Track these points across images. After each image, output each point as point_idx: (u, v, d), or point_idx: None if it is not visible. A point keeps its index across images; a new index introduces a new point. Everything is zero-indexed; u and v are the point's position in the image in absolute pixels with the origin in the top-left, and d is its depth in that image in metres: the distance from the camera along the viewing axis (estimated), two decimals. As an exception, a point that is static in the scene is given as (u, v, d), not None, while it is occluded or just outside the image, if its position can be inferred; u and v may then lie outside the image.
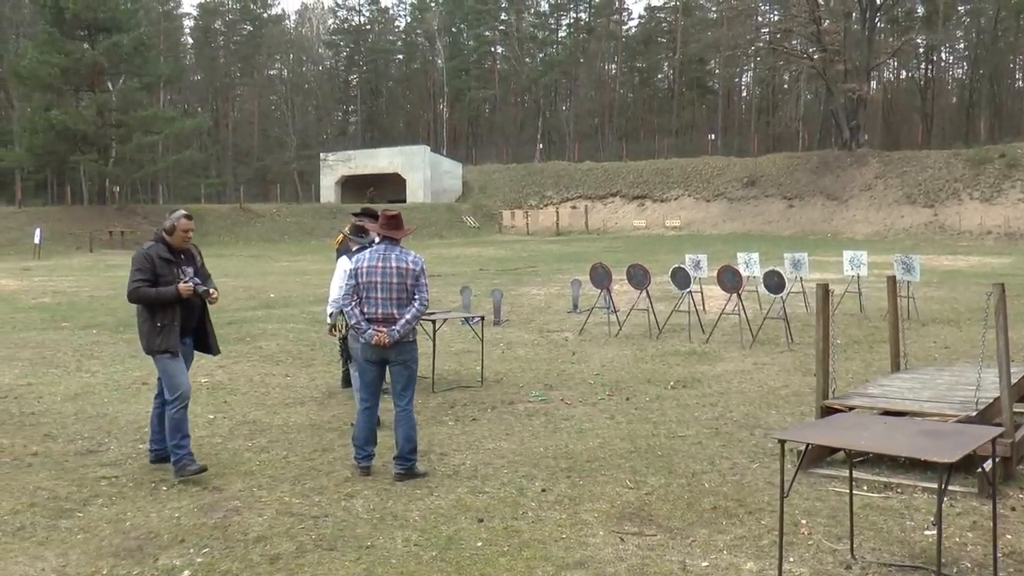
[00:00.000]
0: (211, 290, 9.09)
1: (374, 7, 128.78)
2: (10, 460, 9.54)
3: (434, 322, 13.38)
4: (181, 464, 8.67)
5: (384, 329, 8.62)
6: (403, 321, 8.64)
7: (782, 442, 6.37)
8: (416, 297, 8.73)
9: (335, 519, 7.58)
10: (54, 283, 32.37)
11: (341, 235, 13.15)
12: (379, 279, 8.68)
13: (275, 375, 14.39)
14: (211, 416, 11.46)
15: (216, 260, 43.52)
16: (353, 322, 8.79)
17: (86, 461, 9.46)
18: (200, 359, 15.98)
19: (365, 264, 8.77)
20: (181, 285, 8.72)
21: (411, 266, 8.74)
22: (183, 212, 9.03)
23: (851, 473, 7.21)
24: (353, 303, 8.76)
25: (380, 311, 8.67)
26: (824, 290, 9.43)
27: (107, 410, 11.88)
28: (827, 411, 9.30)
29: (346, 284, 8.90)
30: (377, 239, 9.12)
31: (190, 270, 9.02)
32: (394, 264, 8.70)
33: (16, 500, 8.18)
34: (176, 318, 8.89)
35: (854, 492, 7.29)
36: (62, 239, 55.30)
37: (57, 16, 63.21)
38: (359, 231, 11.04)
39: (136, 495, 8.32)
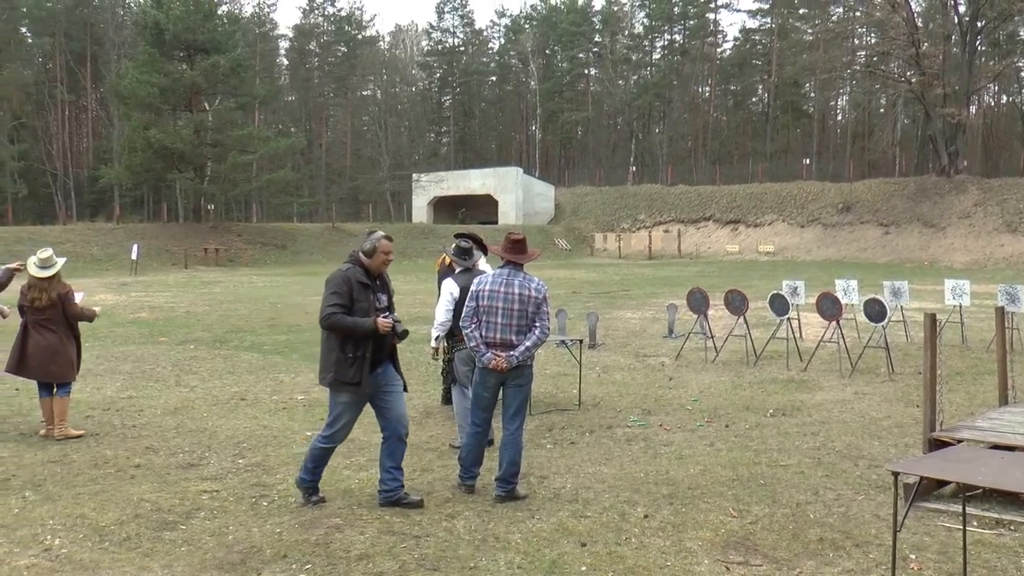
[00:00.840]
0: (405, 328, 8.57)
1: (468, 29, 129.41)
2: (114, 471, 9.67)
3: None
4: (305, 489, 8.60)
5: (502, 354, 8.59)
6: (523, 348, 8.61)
7: (895, 474, 6.23)
8: (537, 324, 8.66)
9: (437, 539, 7.55)
10: (150, 298, 32.83)
11: (444, 256, 13.12)
12: (500, 304, 8.65)
13: (372, 394, 14.40)
14: (308, 433, 11.49)
15: (308, 279, 44.04)
16: (472, 345, 8.75)
17: (187, 474, 9.57)
18: (297, 376, 16.16)
19: (487, 287, 8.74)
20: (380, 320, 8.26)
21: (534, 293, 8.69)
22: (383, 234, 8.49)
23: (964, 508, 7.04)
24: (473, 326, 8.74)
25: (498, 336, 8.64)
26: (932, 320, 9.25)
27: (206, 424, 12.00)
28: (935, 444, 9.11)
29: (466, 306, 8.86)
30: (481, 261, 9.08)
31: (384, 297, 8.59)
32: (517, 290, 8.67)
33: (121, 511, 8.28)
34: (369, 350, 8.41)
35: (965, 528, 7.13)
36: (158, 255, 56.14)
37: (157, 37, 64.51)
38: (463, 253, 10.91)
39: (237, 509, 8.38)
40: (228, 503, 8.56)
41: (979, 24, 71.33)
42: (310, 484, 8.59)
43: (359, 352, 8.30)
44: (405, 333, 8.52)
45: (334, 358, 8.38)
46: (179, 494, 8.81)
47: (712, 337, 19.07)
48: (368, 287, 8.34)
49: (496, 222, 77.85)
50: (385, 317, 8.32)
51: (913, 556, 7.23)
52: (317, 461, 8.59)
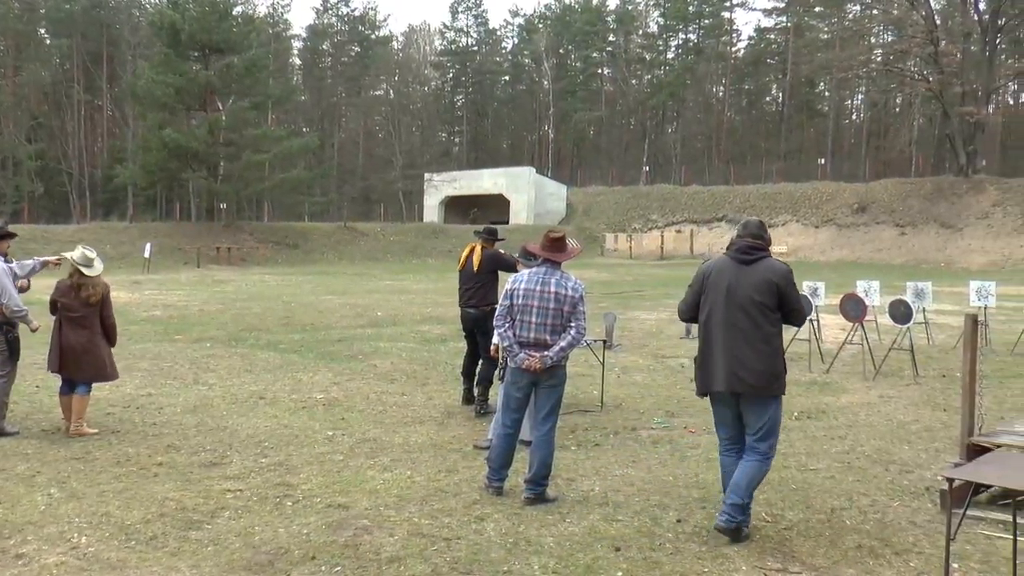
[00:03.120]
0: None
1: (482, 28, 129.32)
2: (136, 469, 9.58)
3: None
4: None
5: (536, 354, 8.44)
6: (557, 348, 8.45)
7: (950, 480, 6.07)
8: (573, 325, 8.49)
9: (468, 542, 7.42)
10: (164, 297, 32.81)
11: (474, 245, 12.99)
12: (536, 303, 8.48)
13: (391, 393, 14.29)
14: (330, 432, 11.40)
15: (321, 278, 44.09)
16: (505, 344, 8.61)
17: (210, 473, 9.46)
18: (315, 375, 16.05)
19: (523, 286, 8.57)
20: None
21: (571, 293, 8.52)
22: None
23: (1015, 517, 6.87)
24: (507, 324, 8.59)
25: (533, 335, 8.48)
26: (974, 321, 9.06)
27: (227, 423, 11.89)
28: (973, 448, 8.94)
29: (500, 304, 8.72)
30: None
31: None
32: (553, 289, 8.50)
33: (146, 509, 8.19)
34: None
35: (1008, 537, 6.97)
36: (171, 254, 56.24)
37: (173, 38, 64.79)
38: (529, 255, 10.62)
39: (262, 509, 8.26)
40: (252, 503, 8.44)
41: (1000, 22, 71.07)
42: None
43: None
44: None
45: (781, 367, 7.77)
46: (203, 493, 8.70)
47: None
48: None
49: (508, 222, 77.70)
50: None
51: (956, 565, 7.05)
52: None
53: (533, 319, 8.48)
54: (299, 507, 8.33)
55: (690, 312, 8.05)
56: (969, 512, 8.11)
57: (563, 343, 8.46)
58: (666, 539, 7.58)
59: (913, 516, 8.25)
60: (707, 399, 7.99)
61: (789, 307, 7.66)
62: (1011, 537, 7.06)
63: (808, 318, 18.05)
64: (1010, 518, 7.20)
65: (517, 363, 8.53)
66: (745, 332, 7.53)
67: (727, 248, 7.91)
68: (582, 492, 8.88)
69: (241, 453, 10.33)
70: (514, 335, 8.56)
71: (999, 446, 8.91)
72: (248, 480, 9.20)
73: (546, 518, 8.06)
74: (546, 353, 8.44)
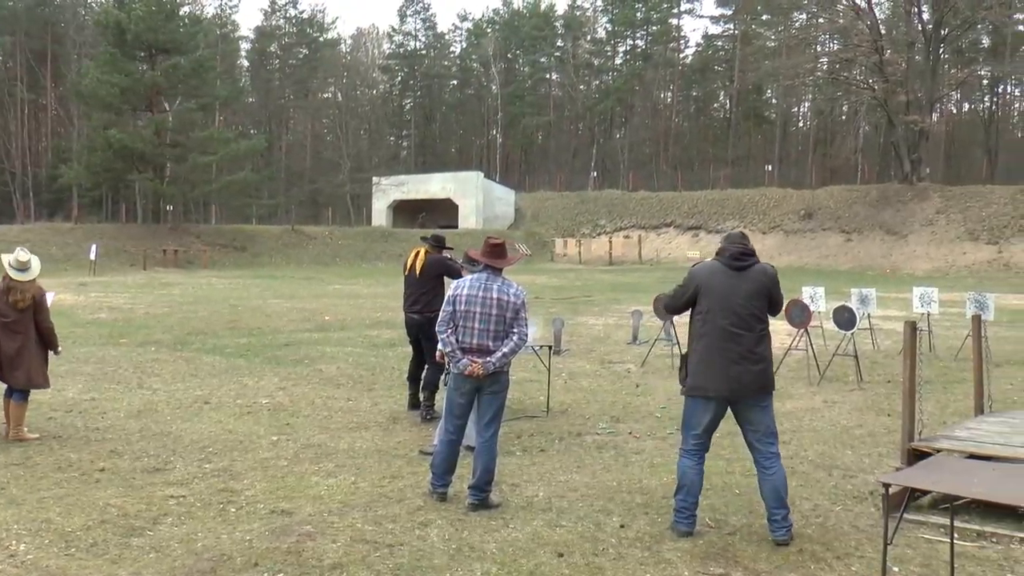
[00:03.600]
0: None
1: (430, 32, 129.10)
2: (78, 475, 9.49)
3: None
4: None
5: (479, 360, 8.44)
6: (500, 354, 8.48)
7: (886, 485, 6.12)
8: (515, 331, 8.55)
9: (411, 548, 7.40)
10: (110, 299, 32.50)
11: (419, 249, 12.96)
12: (478, 309, 8.50)
13: (337, 398, 14.25)
14: (275, 438, 11.35)
15: (268, 281, 43.85)
16: (448, 350, 8.61)
17: (153, 479, 9.38)
18: (261, 379, 15.97)
19: (465, 292, 8.59)
20: None
21: (512, 299, 8.57)
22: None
23: (952, 521, 6.94)
24: (449, 330, 8.58)
25: (475, 341, 8.49)
26: (913, 328, 9.17)
27: (170, 428, 11.80)
28: (913, 454, 9.03)
29: (443, 311, 8.71)
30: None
31: None
32: (495, 295, 8.53)
33: (87, 516, 8.10)
34: None
35: (945, 540, 7.03)
36: (117, 256, 55.75)
37: (119, 37, 64.22)
38: (472, 261, 10.65)
39: (205, 515, 8.21)
40: (195, 509, 8.38)
41: (943, 32, 71.78)
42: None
43: None
44: None
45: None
46: (145, 499, 8.62)
47: (678, 343, 18.94)
48: None
49: (456, 226, 77.58)
50: None
51: (896, 569, 7.13)
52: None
53: (476, 325, 8.49)
54: (242, 513, 8.29)
55: (678, 310, 8.37)
56: (911, 516, 8.20)
57: (505, 349, 8.49)
58: (609, 544, 7.59)
59: (855, 520, 8.32)
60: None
61: (774, 304, 8.06)
62: (950, 541, 7.12)
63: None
64: (946, 522, 7.25)
65: (460, 369, 8.52)
66: (743, 337, 7.77)
67: (717, 254, 8.07)
68: (526, 498, 8.89)
69: (184, 459, 10.25)
70: (456, 341, 8.56)
71: (939, 451, 8.98)
72: (191, 486, 9.13)
73: (489, 524, 8.05)
74: (488, 359, 8.45)
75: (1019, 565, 7.29)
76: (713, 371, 7.79)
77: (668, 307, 8.48)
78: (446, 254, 13.14)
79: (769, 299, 7.97)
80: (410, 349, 13.51)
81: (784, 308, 17.55)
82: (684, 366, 8.13)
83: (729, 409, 7.96)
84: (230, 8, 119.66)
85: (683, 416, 8.13)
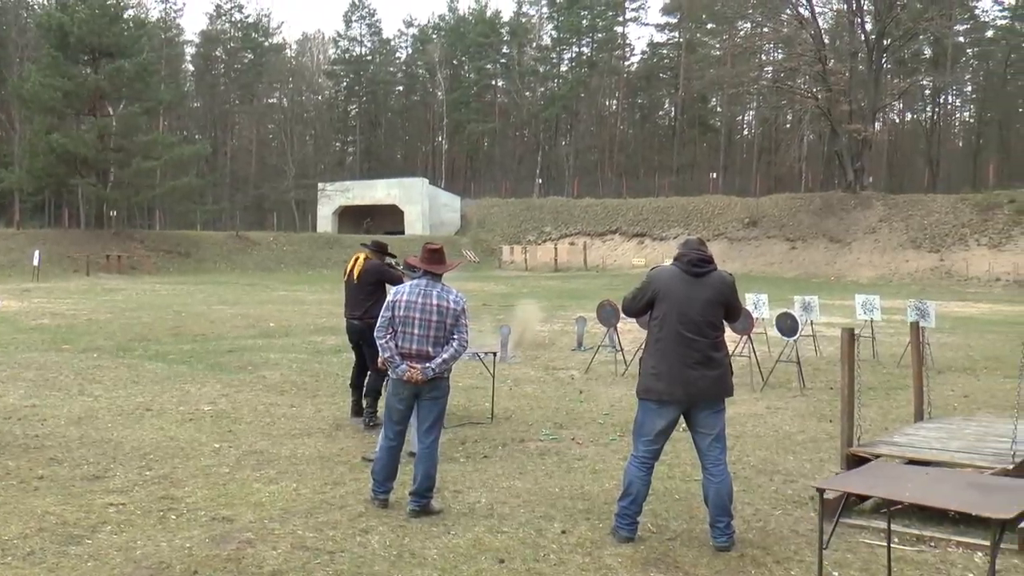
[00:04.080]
0: None
1: (376, 38, 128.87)
2: (16, 483, 9.35)
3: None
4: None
5: (418, 366, 8.43)
6: (439, 360, 8.47)
7: (820, 491, 6.17)
8: (455, 337, 8.55)
9: (351, 555, 7.36)
10: (52, 305, 32.23)
11: (359, 255, 12.95)
12: (417, 315, 8.49)
13: (280, 405, 14.16)
14: (216, 445, 11.25)
15: (212, 287, 43.61)
16: (387, 355, 8.56)
17: (93, 487, 9.26)
18: (203, 386, 15.87)
19: (404, 298, 8.57)
20: None
21: (452, 305, 8.56)
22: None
23: (889, 525, 7.01)
24: (388, 336, 8.56)
25: (415, 347, 8.48)
26: (850, 335, 9.27)
27: (111, 435, 11.67)
28: (852, 459, 9.11)
29: (382, 316, 8.67)
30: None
31: None
32: (435, 301, 8.52)
33: (25, 524, 7.99)
34: None
35: (884, 544, 7.09)
36: (60, 262, 55.26)
37: (61, 40, 63.59)
38: (411, 268, 10.63)
39: (144, 523, 8.11)
40: (135, 517, 8.29)
41: (885, 42, 72.54)
42: None
43: None
44: None
45: None
46: (84, 507, 8.51)
47: (621, 350, 19.01)
48: None
49: (402, 232, 77.48)
50: None
51: (836, 573, 7.18)
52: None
53: (415, 331, 8.48)
54: (182, 520, 8.21)
55: (635, 312, 8.42)
56: (852, 521, 8.27)
57: (445, 355, 8.49)
58: (550, 550, 7.58)
59: (795, 525, 8.37)
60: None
61: (732, 312, 8.12)
62: (887, 545, 7.19)
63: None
64: (887, 526, 7.31)
65: (399, 375, 8.51)
66: (698, 343, 7.78)
67: (675, 260, 8.09)
68: (468, 504, 8.87)
69: (125, 466, 10.14)
70: (396, 346, 8.54)
71: (877, 456, 9.07)
72: (131, 493, 9.03)
73: (431, 530, 8.03)
74: (428, 365, 8.44)
75: (955, 568, 7.36)
76: (669, 375, 7.80)
77: (625, 309, 8.47)
78: (389, 260, 13.12)
79: (727, 307, 8.02)
80: (353, 355, 13.48)
81: (729, 315, 17.70)
82: (642, 368, 8.14)
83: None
84: (175, 12, 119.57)
85: (636, 420, 8.12)
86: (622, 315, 19.66)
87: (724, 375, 7.98)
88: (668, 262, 8.27)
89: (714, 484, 7.84)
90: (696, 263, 7.90)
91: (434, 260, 8.73)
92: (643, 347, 8.25)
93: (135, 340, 22.64)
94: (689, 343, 7.77)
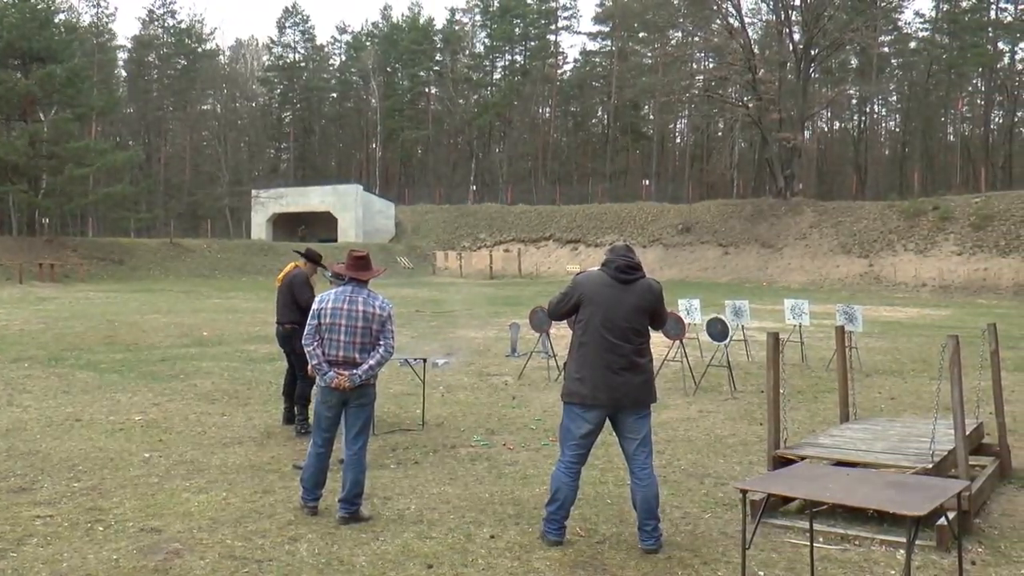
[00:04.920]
0: None
1: (309, 45, 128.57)
2: (-61, 497, 9.22)
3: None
4: None
5: (345, 373, 8.45)
6: (366, 367, 8.49)
7: (743, 492, 6.25)
8: (382, 343, 8.58)
9: (280, 563, 7.35)
10: (-20, 315, 31.80)
11: (293, 264, 13.01)
12: (343, 321, 8.51)
13: (211, 414, 14.09)
14: (147, 455, 11.17)
15: (146, 295, 43.18)
16: (314, 363, 8.58)
17: (19, 499, 9.16)
18: (134, 395, 15.75)
19: (330, 305, 8.59)
20: None
21: (378, 311, 8.59)
22: None
23: (812, 525, 7.11)
24: (315, 343, 8.57)
25: (341, 354, 8.50)
26: (775, 339, 9.38)
27: (39, 447, 11.55)
28: (779, 461, 9.22)
29: (308, 323, 8.69)
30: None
31: None
32: (361, 308, 8.55)
33: (-53, 539, 7.87)
34: None
35: (812, 545, 7.19)
36: (-11, 270, 54.50)
37: (-10, 45, 62.62)
38: (337, 276, 10.64)
39: (71, 535, 8.03)
40: (62, 529, 8.21)
41: (813, 52, 73.40)
42: None
43: None
44: None
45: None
46: (10, 520, 8.42)
47: (554, 356, 19.08)
48: None
49: (336, 239, 77.25)
50: None
51: (761, 573, 7.26)
52: None
53: (341, 337, 8.50)
54: (110, 532, 8.15)
55: (559, 316, 8.39)
56: (778, 522, 8.38)
57: (372, 361, 8.52)
58: (479, 555, 7.61)
59: (724, 527, 8.44)
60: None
61: (657, 318, 8.11)
62: (815, 545, 7.29)
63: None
64: (809, 526, 7.42)
65: (326, 382, 8.52)
66: (625, 349, 7.82)
67: (602, 265, 8.10)
68: (398, 510, 8.88)
69: (53, 477, 10.05)
70: (323, 353, 8.55)
71: (803, 458, 9.18)
72: (58, 505, 8.95)
73: (360, 537, 8.03)
74: (355, 371, 8.46)
75: (877, 566, 7.48)
76: (593, 380, 7.83)
77: (550, 313, 8.48)
78: (322, 269, 13.14)
79: (652, 314, 8.04)
80: (287, 363, 13.48)
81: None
82: (566, 373, 8.21)
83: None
84: (107, 17, 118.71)
85: (561, 425, 8.15)
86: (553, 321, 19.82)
87: (648, 380, 7.99)
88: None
89: (641, 488, 7.87)
90: (624, 269, 7.93)
91: (359, 267, 8.74)
92: (568, 352, 8.27)
93: (67, 349, 22.43)
94: (613, 348, 7.81)
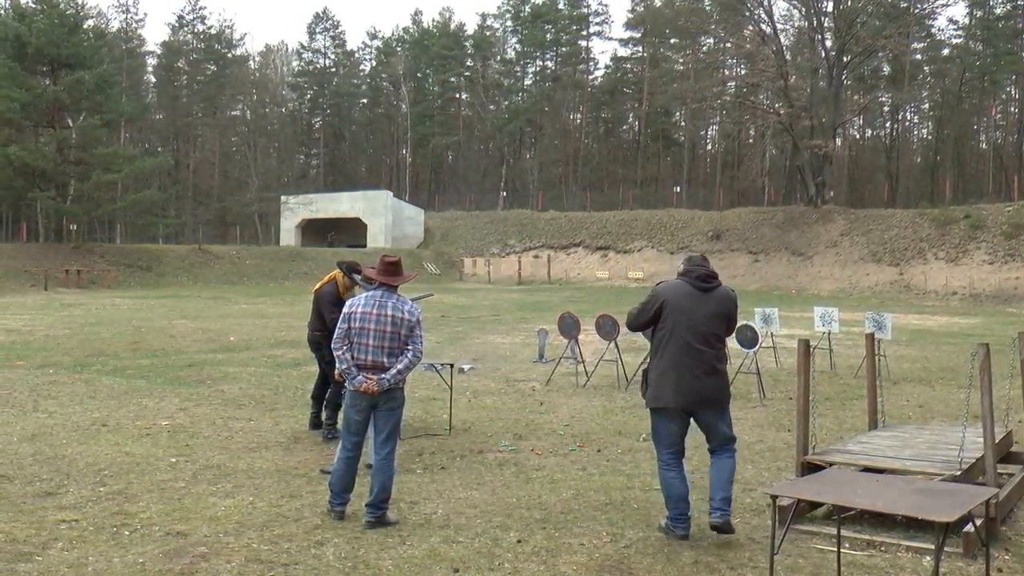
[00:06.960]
0: None
1: (339, 50, 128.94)
2: (-34, 501, 9.22)
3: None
4: None
5: (373, 377, 8.45)
6: (394, 371, 8.49)
7: (773, 497, 6.21)
8: (410, 348, 8.58)
9: (306, 567, 7.32)
10: (7, 321, 31.89)
11: (335, 273, 13.02)
12: (372, 326, 8.52)
13: (238, 419, 14.08)
14: (173, 460, 11.16)
15: (173, 301, 43.36)
16: (343, 367, 8.59)
17: (45, 503, 9.14)
18: (161, 401, 15.77)
19: (359, 310, 8.61)
20: None
21: (407, 316, 8.59)
22: None
23: (839, 531, 7.06)
24: (344, 347, 8.58)
25: (370, 358, 8.50)
26: (806, 346, 9.34)
27: (66, 452, 11.53)
28: (807, 467, 9.18)
29: (338, 328, 8.70)
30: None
31: None
32: (389, 312, 8.55)
33: (-27, 542, 7.86)
34: None
35: (840, 550, 7.14)
36: (16, 276, 54.74)
37: (19, 51, 63.01)
38: (368, 280, 10.64)
39: (97, 539, 8.01)
40: (88, 533, 8.19)
41: (845, 59, 73.16)
42: None
43: None
44: None
45: None
46: (35, 524, 8.41)
47: (583, 362, 19.04)
48: None
49: (365, 245, 77.39)
50: None
51: (787, 580, 7.21)
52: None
53: (370, 342, 8.50)
54: (136, 536, 8.13)
55: (640, 326, 8.67)
56: (805, 527, 8.32)
57: (400, 366, 8.51)
58: (505, 559, 7.58)
59: (752, 533, 8.40)
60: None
61: (731, 325, 8.58)
62: (842, 551, 7.24)
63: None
64: (837, 531, 7.37)
65: (355, 386, 8.52)
66: (705, 354, 8.22)
67: (681, 275, 8.48)
68: (424, 515, 8.85)
69: (79, 482, 10.03)
70: (352, 358, 8.55)
71: (832, 464, 9.13)
72: (84, 510, 8.93)
73: (386, 541, 8.01)
74: (383, 376, 8.46)
75: (903, 572, 7.42)
76: (675, 384, 8.15)
77: (630, 324, 8.75)
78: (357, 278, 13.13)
79: (728, 320, 8.47)
80: (316, 368, 13.49)
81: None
82: (645, 380, 8.49)
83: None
84: (136, 22, 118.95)
85: (652, 431, 8.58)
86: (581, 327, 19.75)
87: (726, 385, 8.47)
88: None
89: (719, 464, 8.52)
90: (704, 278, 8.36)
91: (390, 272, 8.76)
92: (647, 359, 8.58)
93: (93, 355, 22.46)
94: (697, 353, 8.16)
